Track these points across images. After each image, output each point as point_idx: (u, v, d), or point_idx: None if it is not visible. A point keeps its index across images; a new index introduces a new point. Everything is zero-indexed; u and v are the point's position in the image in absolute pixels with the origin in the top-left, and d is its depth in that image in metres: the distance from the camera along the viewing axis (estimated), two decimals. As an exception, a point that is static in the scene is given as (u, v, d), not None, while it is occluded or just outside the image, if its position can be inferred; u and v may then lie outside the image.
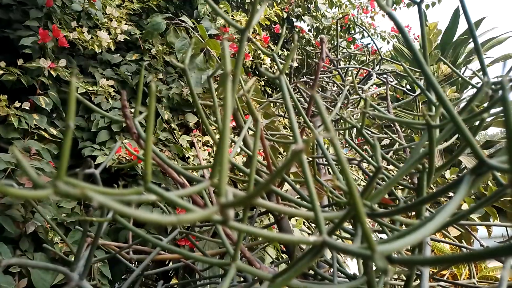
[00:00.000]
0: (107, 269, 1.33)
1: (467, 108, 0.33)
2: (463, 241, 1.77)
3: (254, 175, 0.33)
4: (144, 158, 0.21)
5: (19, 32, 1.57)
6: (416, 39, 3.67)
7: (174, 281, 2.40)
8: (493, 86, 0.39)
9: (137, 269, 0.49)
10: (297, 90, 0.88)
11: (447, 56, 3.08)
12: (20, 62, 1.48)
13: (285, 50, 2.95)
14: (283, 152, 1.01)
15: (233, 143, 0.51)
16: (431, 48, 2.68)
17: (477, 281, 0.73)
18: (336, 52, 0.87)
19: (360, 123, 0.44)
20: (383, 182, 0.59)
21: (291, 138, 0.83)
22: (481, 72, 0.38)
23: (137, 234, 0.33)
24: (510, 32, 3.74)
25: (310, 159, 0.52)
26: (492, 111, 0.38)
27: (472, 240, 1.97)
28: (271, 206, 0.26)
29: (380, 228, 0.55)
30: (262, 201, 0.21)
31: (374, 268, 0.43)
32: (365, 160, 0.56)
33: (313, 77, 0.88)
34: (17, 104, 1.41)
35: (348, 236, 0.49)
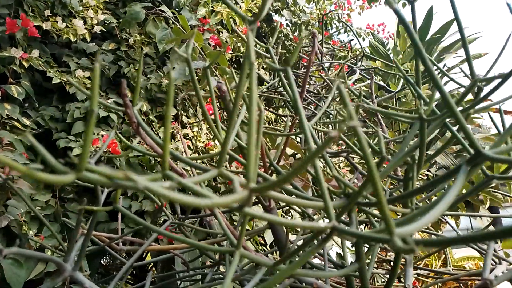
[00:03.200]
0: (85, 262, 1.30)
1: (459, 104, 0.34)
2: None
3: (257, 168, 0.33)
4: (163, 148, 0.21)
5: (-12, 18, 1.50)
6: (391, 37, 3.76)
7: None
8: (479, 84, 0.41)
9: (128, 261, 0.49)
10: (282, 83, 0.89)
11: (420, 54, 3.18)
12: (-11, 49, 1.42)
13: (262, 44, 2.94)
14: (267, 143, 1.02)
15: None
16: (405, 46, 2.76)
17: (452, 269, 0.76)
18: (319, 48, 0.88)
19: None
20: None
21: (276, 131, 0.84)
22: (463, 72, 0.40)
23: (138, 222, 0.33)
24: (479, 33, 3.91)
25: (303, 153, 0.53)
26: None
27: (441, 232, 2.05)
28: (282, 197, 0.26)
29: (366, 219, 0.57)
30: (275, 193, 0.22)
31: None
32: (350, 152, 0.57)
33: (298, 72, 0.89)
34: (-14, 93, 1.35)
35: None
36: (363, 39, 3.84)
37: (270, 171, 0.50)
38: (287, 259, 0.32)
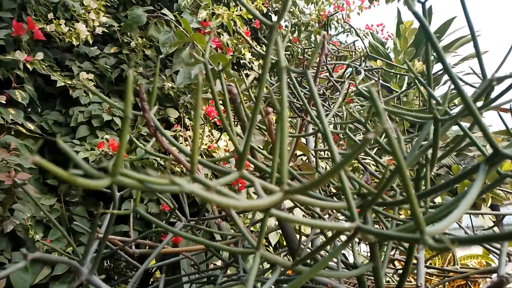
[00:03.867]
0: (90, 266, 1.30)
1: (476, 102, 0.35)
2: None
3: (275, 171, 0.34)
4: (192, 152, 0.22)
5: (-9, 23, 1.50)
6: (390, 37, 3.77)
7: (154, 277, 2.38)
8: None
9: (142, 266, 0.49)
10: (288, 85, 0.89)
11: (419, 53, 3.19)
12: (-7, 54, 1.42)
13: (263, 45, 2.95)
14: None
15: (239, 138, 0.52)
16: (406, 45, 2.76)
17: (460, 267, 0.77)
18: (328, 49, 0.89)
19: (364, 117, 0.45)
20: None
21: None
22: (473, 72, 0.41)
23: (157, 224, 0.33)
24: (478, 32, 3.91)
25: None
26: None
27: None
28: (306, 200, 0.27)
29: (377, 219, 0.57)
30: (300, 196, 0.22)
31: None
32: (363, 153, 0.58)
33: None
34: (-10, 98, 1.35)
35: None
36: (362, 40, 3.85)
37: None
38: (305, 260, 0.32)
